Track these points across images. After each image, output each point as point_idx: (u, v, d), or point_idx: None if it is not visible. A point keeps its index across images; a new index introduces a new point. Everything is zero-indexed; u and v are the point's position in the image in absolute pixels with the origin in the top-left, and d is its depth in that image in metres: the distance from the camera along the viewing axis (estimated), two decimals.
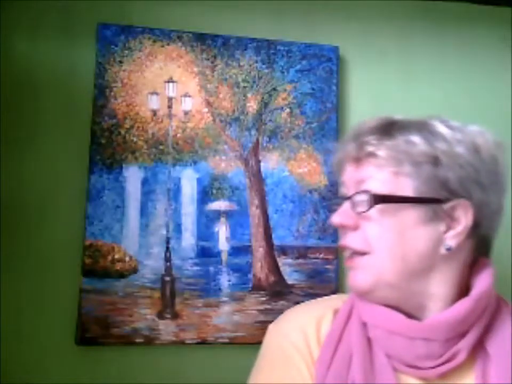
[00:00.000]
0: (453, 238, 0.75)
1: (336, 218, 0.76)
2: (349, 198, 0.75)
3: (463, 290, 0.77)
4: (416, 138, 0.76)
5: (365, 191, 0.74)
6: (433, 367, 0.72)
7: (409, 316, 0.75)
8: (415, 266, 0.75)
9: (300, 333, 0.79)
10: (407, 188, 0.74)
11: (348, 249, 0.76)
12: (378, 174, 0.75)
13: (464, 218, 0.75)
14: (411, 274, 0.75)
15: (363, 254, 0.74)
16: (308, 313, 0.84)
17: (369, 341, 0.76)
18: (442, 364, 0.72)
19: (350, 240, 0.75)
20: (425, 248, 0.75)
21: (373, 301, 0.76)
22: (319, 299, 0.91)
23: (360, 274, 0.75)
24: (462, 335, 0.73)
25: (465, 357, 0.72)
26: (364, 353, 0.74)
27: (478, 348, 0.74)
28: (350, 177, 0.78)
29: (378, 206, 0.73)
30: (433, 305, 0.76)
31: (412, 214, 0.74)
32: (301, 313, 0.85)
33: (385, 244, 0.74)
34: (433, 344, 0.72)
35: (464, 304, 0.73)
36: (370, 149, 0.75)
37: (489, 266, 0.80)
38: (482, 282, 0.77)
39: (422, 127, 0.76)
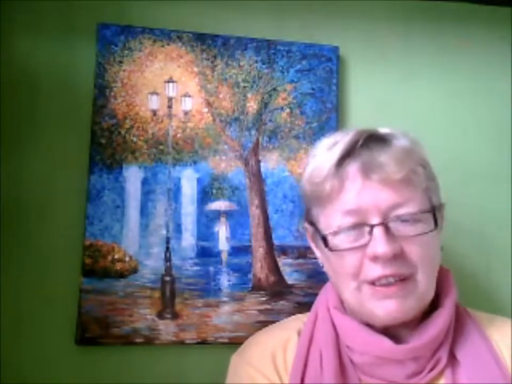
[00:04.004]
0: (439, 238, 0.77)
1: (386, 248, 0.68)
2: (382, 223, 0.70)
3: None
4: (425, 155, 0.78)
5: (429, 212, 0.72)
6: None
7: (394, 334, 0.74)
8: (436, 274, 0.76)
9: (268, 360, 0.76)
10: (434, 202, 0.75)
11: (392, 277, 0.70)
12: (416, 193, 0.73)
13: (443, 220, 0.79)
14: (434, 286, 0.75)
15: (405, 279, 0.71)
16: (273, 338, 0.80)
17: (341, 361, 0.74)
18: (426, 374, 0.73)
19: (398, 267, 0.70)
20: (440, 254, 0.76)
21: (385, 325, 0.74)
22: (278, 323, 0.88)
23: (409, 301, 0.70)
24: (441, 343, 0.74)
25: (445, 363, 0.73)
26: (337, 376, 0.72)
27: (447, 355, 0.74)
28: (376, 201, 0.71)
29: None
30: (413, 317, 0.75)
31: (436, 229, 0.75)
32: (266, 338, 0.81)
33: (427, 263, 0.72)
34: (422, 361, 0.73)
35: (444, 317, 0.74)
36: (409, 166, 0.72)
37: (449, 272, 0.80)
38: (451, 290, 0.77)
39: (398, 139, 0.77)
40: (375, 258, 0.70)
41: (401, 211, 0.71)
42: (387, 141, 0.76)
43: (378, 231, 0.70)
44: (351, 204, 0.72)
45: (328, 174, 0.73)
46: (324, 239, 0.74)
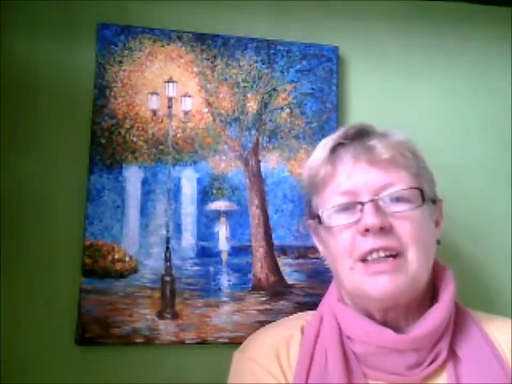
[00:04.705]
0: (439, 233, 0.81)
1: (374, 220, 0.72)
2: (372, 200, 0.74)
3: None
4: (417, 149, 0.82)
5: (416, 188, 0.76)
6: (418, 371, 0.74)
7: (394, 327, 0.76)
8: (431, 262, 0.78)
9: (271, 356, 0.77)
10: (425, 187, 0.79)
11: (383, 251, 0.73)
12: (404, 174, 0.77)
13: (441, 216, 0.82)
14: (429, 271, 0.78)
15: (395, 255, 0.73)
16: (276, 334, 0.82)
17: (345, 355, 0.75)
18: (426, 366, 0.74)
19: (387, 241, 0.73)
20: (434, 243, 0.79)
21: (381, 308, 0.75)
22: (281, 320, 0.90)
23: (400, 276, 0.72)
24: (441, 335, 0.75)
25: (445, 356, 0.74)
26: (343, 370, 0.73)
27: (448, 350, 0.75)
28: (367, 181, 0.76)
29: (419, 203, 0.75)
30: (415, 308, 0.77)
31: (428, 211, 0.78)
32: (269, 335, 0.83)
33: (418, 242, 0.74)
34: (422, 352, 0.74)
35: (443, 309, 0.75)
36: (398, 150, 0.77)
37: (448, 269, 0.82)
38: (450, 285, 0.79)
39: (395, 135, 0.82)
40: (365, 232, 0.73)
41: (391, 189, 0.75)
42: (380, 134, 0.81)
43: (368, 207, 0.74)
44: (344, 186, 0.77)
45: (323, 161, 0.79)
46: (319, 218, 0.79)
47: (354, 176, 0.76)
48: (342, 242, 0.76)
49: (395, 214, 0.74)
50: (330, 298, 0.83)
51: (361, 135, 0.80)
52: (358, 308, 0.79)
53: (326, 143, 0.81)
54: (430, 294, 0.79)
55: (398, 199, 0.75)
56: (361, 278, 0.74)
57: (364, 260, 0.74)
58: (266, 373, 0.76)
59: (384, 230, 0.73)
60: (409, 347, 0.73)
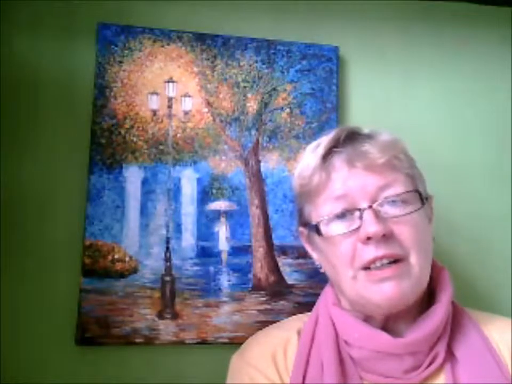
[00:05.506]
0: (432, 230, 0.80)
1: (377, 228, 0.70)
2: (370, 207, 0.73)
3: None
4: (407, 149, 0.81)
5: (415, 191, 0.75)
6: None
7: (393, 329, 0.75)
8: (430, 263, 0.77)
9: (268, 360, 0.77)
10: (420, 187, 0.78)
11: (387, 258, 0.71)
12: (400, 176, 0.76)
13: (432, 212, 0.81)
14: (429, 271, 0.77)
15: (398, 260, 0.72)
16: (273, 338, 0.81)
17: (341, 358, 0.75)
18: (424, 369, 0.73)
19: (390, 248, 0.71)
20: (431, 242, 0.79)
21: (385, 314, 0.75)
22: (279, 322, 0.89)
23: (405, 283, 0.71)
24: (438, 338, 0.74)
25: (443, 359, 0.73)
26: (337, 373, 0.73)
27: (445, 352, 0.75)
28: (363, 185, 0.74)
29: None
30: (414, 309, 0.76)
31: (424, 211, 0.77)
32: (267, 338, 0.82)
33: (419, 246, 0.73)
34: (419, 356, 0.73)
35: (441, 311, 0.75)
36: (392, 152, 0.76)
37: (444, 269, 0.81)
38: (447, 286, 0.78)
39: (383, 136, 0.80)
40: (367, 240, 0.72)
41: (388, 193, 0.74)
42: (370, 136, 0.79)
43: (367, 214, 0.72)
44: (339, 191, 0.75)
45: (315, 168, 0.77)
46: (317, 228, 0.76)
47: (349, 181, 0.75)
48: (342, 252, 0.74)
49: (395, 219, 0.73)
50: (326, 301, 0.82)
51: (351, 139, 0.78)
52: (357, 312, 0.78)
53: (317, 150, 0.79)
54: (427, 294, 0.79)
55: (396, 202, 0.74)
56: (365, 286, 0.73)
57: (366, 268, 0.73)
58: (264, 378, 0.76)
59: (386, 236, 0.71)
60: (406, 351, 0.72)
